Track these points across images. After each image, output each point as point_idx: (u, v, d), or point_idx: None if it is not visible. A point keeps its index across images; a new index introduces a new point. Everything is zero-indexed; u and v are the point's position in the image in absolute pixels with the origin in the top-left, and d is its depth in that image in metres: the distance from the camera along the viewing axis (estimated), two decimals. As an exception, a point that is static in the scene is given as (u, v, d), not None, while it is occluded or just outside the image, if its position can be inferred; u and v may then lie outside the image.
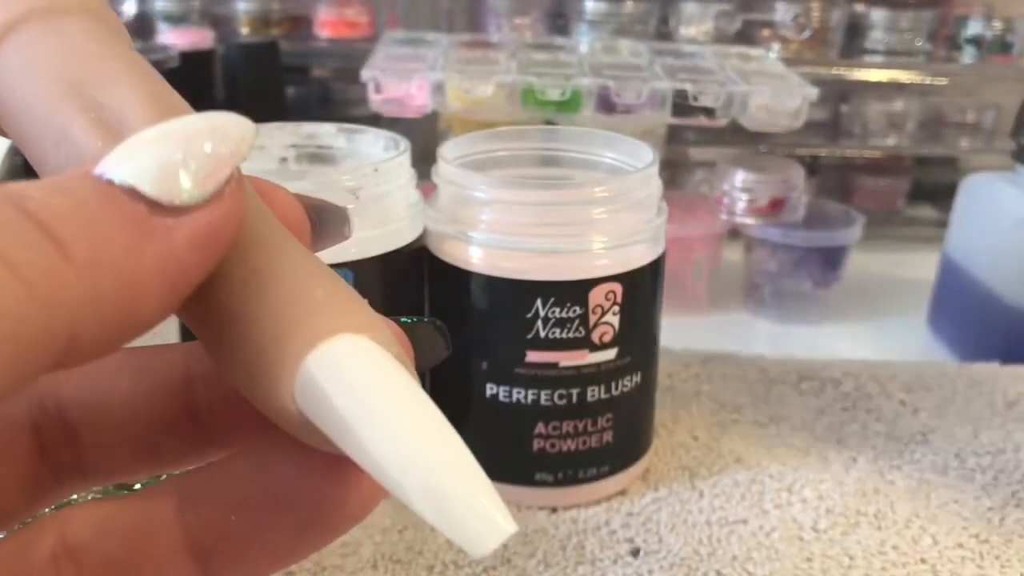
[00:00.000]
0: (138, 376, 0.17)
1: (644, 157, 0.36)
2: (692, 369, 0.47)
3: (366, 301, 0.15)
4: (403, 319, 0.17)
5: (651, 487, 0.38)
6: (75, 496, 0.18)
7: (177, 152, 0.13)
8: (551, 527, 0.35)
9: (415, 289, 0.36)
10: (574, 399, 0.35)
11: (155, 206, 0.13)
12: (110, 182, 0.13)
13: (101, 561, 0.15)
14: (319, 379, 0.13)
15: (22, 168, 0.54)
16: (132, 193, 0.13)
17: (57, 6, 0.16)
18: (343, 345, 0.14)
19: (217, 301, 0.14)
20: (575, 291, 0.33)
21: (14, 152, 0.53)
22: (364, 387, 0.13)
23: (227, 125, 0.14)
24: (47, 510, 0.17)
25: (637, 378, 0.36)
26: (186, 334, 0.31)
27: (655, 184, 0.36)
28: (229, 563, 0.16)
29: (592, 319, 0.34)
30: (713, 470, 0.39)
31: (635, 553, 0.34)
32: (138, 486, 0.26)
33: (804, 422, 0.43)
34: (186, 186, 0.13)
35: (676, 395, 0.44)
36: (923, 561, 0.34)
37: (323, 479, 0.15)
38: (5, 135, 0.16)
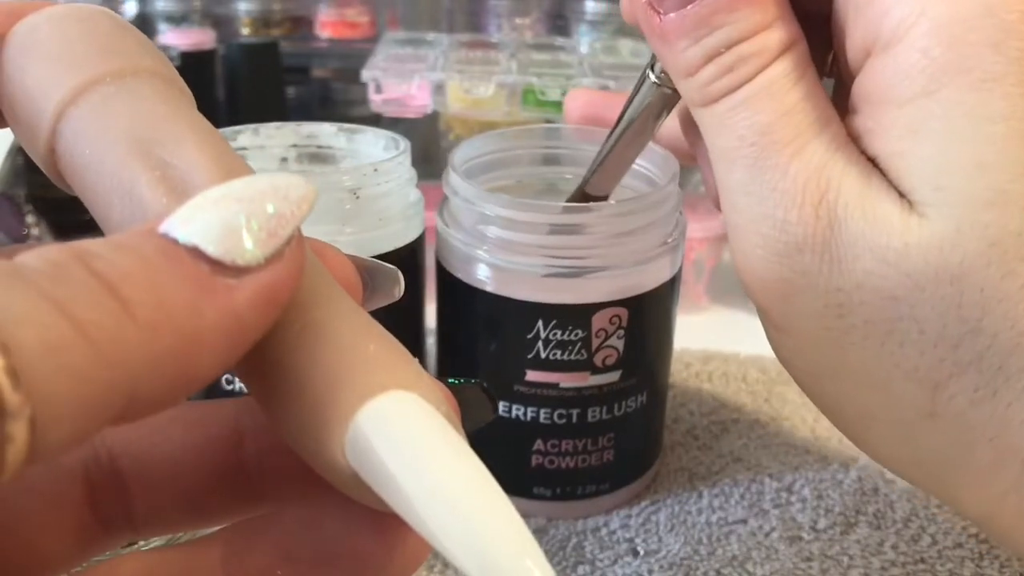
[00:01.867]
0: (189, 429, 0.17)
1: (668, 167, 0.34)
2: (692, 368, 0.47)
3: (416, 360, 0.15)
4: (451, 380, 0.18)
5: (650, 488, 0.38)
6: (125, 545, 0.18)
7: (240, 213, 0.14)
8: (550, 528, 0.35)
9: (414, 290, 0.36)
10: (574, 419, 0.34)
11: (217, 266, 0.13)
12: (174, 241, 0.13)
13: None
14: (369, 435, 0.14)
15: (23, 168, 0.54)
16: (195, 252, 0.13)
17: (128, 69, 0.17)
18: (394, 402, 0.14)
19: (271, 353, 0.15)
20: (577, 315, 0.32)
21: (16, 152, 0.53)
22: (413, 445, 0.14)
23: (289, 186, 0.14)
24: (95, 559, 0.17)
25: (643, 398, 0.35)
26: (209, 396, 0.31)
27: (674, 200, 0.34)
28: None
29: (595, 343, 0.33)
30: (712, 470, 0.39)
31: (634, 553, 0.34)
32: (185, 537, 0.26)
33: (804, 422, 0.43)
34: (248, 247, 0.14)
35: (676, 395, 0.44)
36: (922, 561, 0.34)
37: (370, 535, 0.15)
38: (68, 188, 0.17)
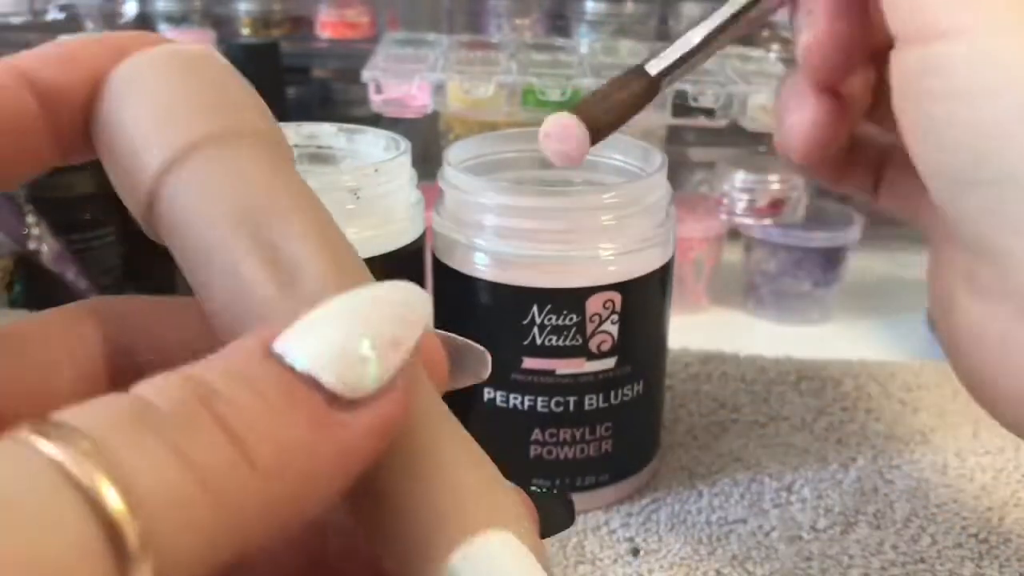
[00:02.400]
0: None
1: (651, 160, 0.36)
2: (691, 369, 0.47)
3: (510, 485, 0.16)
4: (533, 488, 0.18)
5: (650, 487, 0.38)
6: None
7: (362, 337, 0.14)
8: (551, 526, 0.35)
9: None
10: (571, 407, 0.34)
11: (334, 398, 0.13)
12: (291, 369, 0.13)
13: None
14: None
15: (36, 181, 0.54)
16: (311, 383, 0.13)
17: (231, 130, 0.16)
18: (490, 545, 0.14)
19: (373, 481, 0.15)
20: (571, 299, 0.33)
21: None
22: None
23: (408, 303, 0.14)
24: None
25: (639, 387, 0.35)
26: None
27: (662, 190, 0.35)
28: None
29: (589, 328, 0.33)
30: (712, 470, 0.39)
31: (635, 553, 0.34)
32: None
33: (803, 422, 0.43)
34: (369, 380, 0.13)
35: (675, 395, 0.44)
36: (922, 561, 0.34)
37: None
38: (162, 242, 0.17)
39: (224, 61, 0.17)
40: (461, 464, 0.15)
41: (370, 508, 0.15)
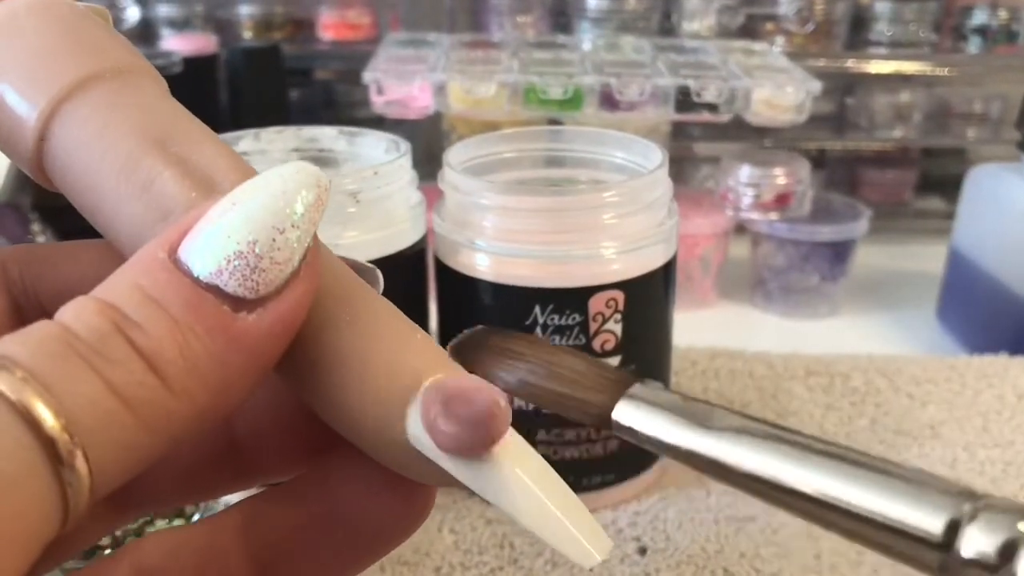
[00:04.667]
0: None
1: (653, 157, 0.35)
2: (699, 366, 0.46)
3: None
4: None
5: (658, 486, 0.38)
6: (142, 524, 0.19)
7: (257, 235, 0.14)
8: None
9: (417, 292, 0.36)
10: None
11: (239, 302, 0.14)
12: (195, 279, 0.14)
13: None
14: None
15: (27, 177, 0.54)
16: (217, 292, 0.14)
17: (124, 66, 0.16)
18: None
19: (322, 348, 0.15)
20: (574, 298, 0.33)
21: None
22: None
23: (306, 183, 0.15)
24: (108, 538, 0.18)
25: None
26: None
27: (663, 187, 0.35)
28: None
29: (593, 327, 0.33)
30: (720, 467, 0.39)
31: (642, 551, 0.34)
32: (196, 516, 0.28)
33: (811, 417, 0.43)
34: (271, 280, 0.14)
35: (682, 392, 0.44)
36: (932, 556, 0.34)
37: (387, 495, 0.17)
38: (50, 185, 0.17)
39: (76, 4, 0.17)
40: (405, 325, 0.16)
41: (322, 377, 0.16)
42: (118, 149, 0.16)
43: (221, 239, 0.14)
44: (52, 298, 0.18)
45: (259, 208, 0.14)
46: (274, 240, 0.14)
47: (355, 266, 0.18)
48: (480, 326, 0.15)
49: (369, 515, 0.17)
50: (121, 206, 0.16)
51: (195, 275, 0.14)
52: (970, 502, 0.11)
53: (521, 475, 0.15)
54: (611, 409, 0.17)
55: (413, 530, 0.17)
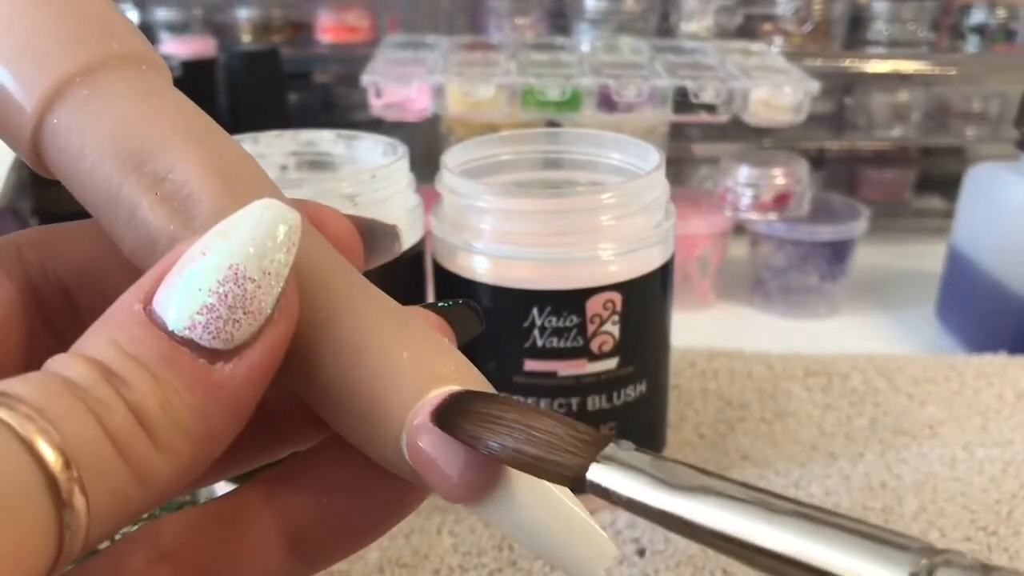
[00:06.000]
0: None
1: (650, 159, 0.35)
2: (698, 366, 0.46)
3: (446, 341, 0.17)
4: (439, 304, 0.19)
5: (657, 486, 0.38)
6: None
7: (228, 286, 0.14)
8: (557, 528, 0.35)
9: (416, 294, 0.36)
10: (574, 407, 0.34)
11: (214, 354, 0.14)
12: (171, 335, 0.14)
13: (197, 560, 0.16)
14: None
15: (28, 181, 0.54)
16: (192, 346, 0.14)
17: (98, 60, 0.16)
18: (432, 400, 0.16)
19: (311, 378, 0.16)
20: (571, 300, 0.33)
21: (20, 165, 0.54)
22: None
23: (269, 229, 0.14)
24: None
25: (642, 387, 0.35)
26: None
27: (660, 188, 0.35)
28: (319, 545, 0.17)
29: (590, 328, 0.33)
30: (719, 467, 0.39)
31: (641, 553, 0.34)
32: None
33: (811, 417, 0.43)
34: (241, 328, 0.14)
35: (681, 392, 0.44)
36: (931, 555, 0.34)
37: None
38: (48, 174, 0.17)
39: None
40: (391, 339, 0.16)
41: (319, 400, 0.16)
42: (100, 173, 0.15)
43: (192, 291, 0.14)
44: (73, 276, 0.18)
45: (229, 255, 0.14)
46: (245, 291, 0.14)
47: (372, 225, 0.18)
48: (461, 390, 0.15)
49: (390, 478, 0.17)
50: (113, 228, 0.16)
51: (169, 329, 0.14)
52: (927, 557, 0.12)
53: (516, 502, 0.16)
54: (585, 470, 0.17)
55: (427, 494, 0.17)
